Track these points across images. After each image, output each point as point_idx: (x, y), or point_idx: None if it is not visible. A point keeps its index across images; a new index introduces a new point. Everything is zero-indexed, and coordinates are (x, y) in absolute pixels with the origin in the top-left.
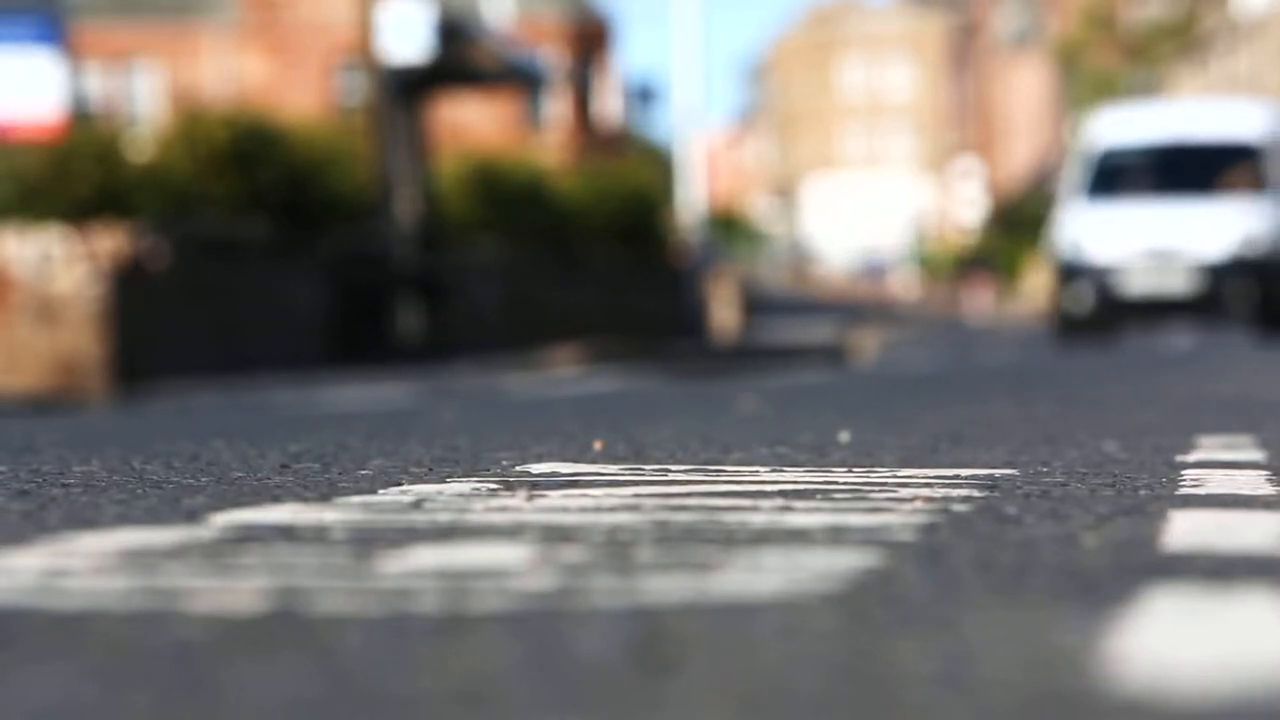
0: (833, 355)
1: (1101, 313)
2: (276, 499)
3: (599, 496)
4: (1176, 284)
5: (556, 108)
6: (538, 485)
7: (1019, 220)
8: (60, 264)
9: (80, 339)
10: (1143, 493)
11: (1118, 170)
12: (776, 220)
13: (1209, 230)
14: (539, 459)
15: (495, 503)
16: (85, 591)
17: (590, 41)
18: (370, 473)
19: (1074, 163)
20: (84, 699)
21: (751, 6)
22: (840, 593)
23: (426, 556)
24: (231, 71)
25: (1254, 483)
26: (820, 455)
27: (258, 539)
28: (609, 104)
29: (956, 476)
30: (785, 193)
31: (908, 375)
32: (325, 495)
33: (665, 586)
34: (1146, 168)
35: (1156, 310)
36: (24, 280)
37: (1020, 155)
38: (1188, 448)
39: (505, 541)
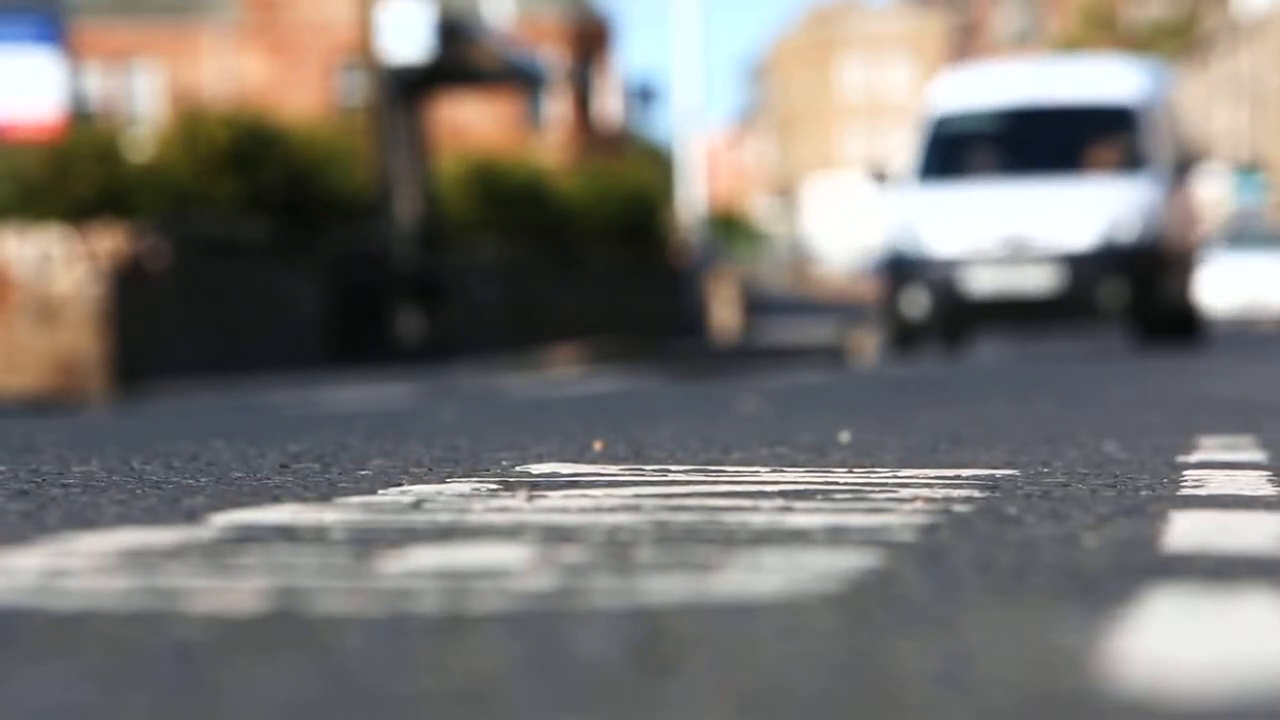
0: (833, 355)
1: (943, 317)
2: (276, 499)
3: (599, 497)
4: (1033, 280)
5: (556, 108)
6: (538, 485)
7: None
8: (60, 264)
9: (80, 339)
10: (1143, 493)
11: (960, 143)
12: (776, 220)
13: (1073, 215)
14: (539, 459)
15: (495, 503)
16: (85, 591)
17: (590, 41)
18: (370, 473)
19: (912, 136)
20: (84, 699)
21: (751, 6)
22: (840, 593)
23: (426, 557)
24: (231, 71)
25: (1255, 483)
26: (820, 455)
27: (257, 539)
28: (609, 104)
29: (957, 477)
30: (785, 193)
31: (908, 375)
32: (325, 495)
33: (665, 586)
34: (996, 139)
35: (1010, 312)
36: (24, 280)
37: None
38: (1188, 448)
39: (505, 542)
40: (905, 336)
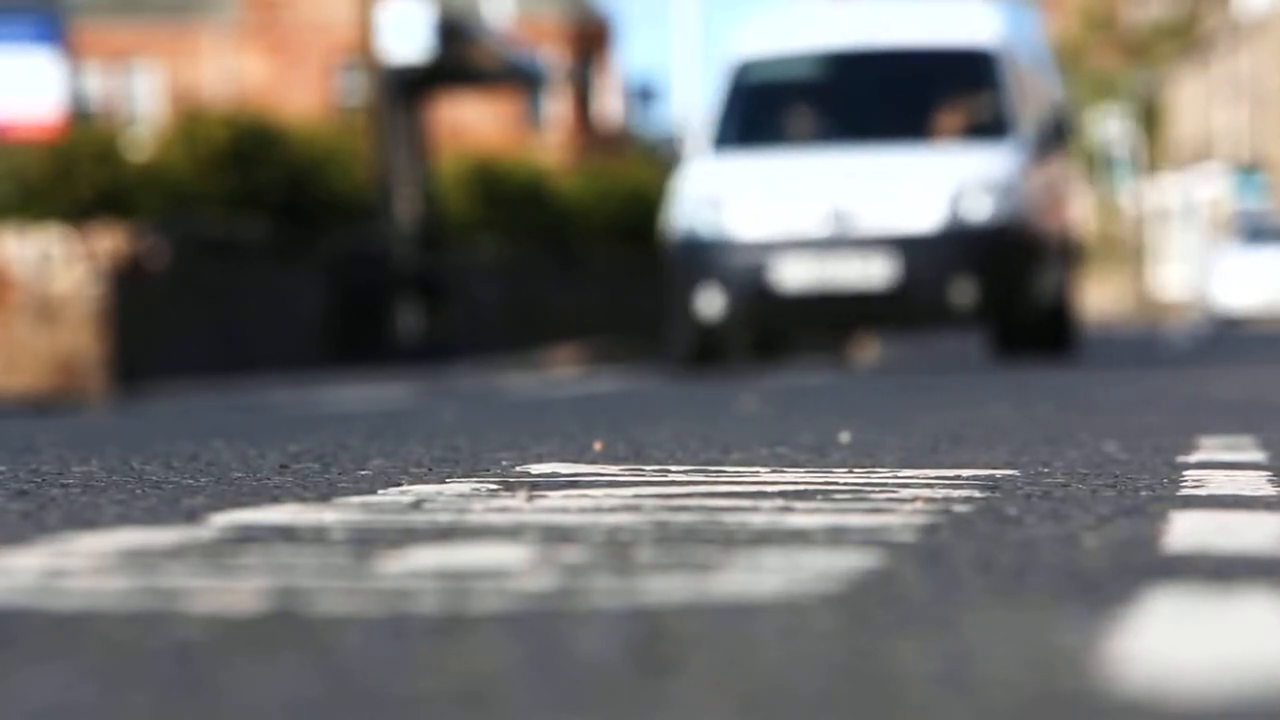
0: (833, 355)
1: (747, 318)
2: (276, 499)
3: (599, 497)
4: (862, 272)
5: (556, 108)
6: (538, 486)
7: None
8: (60, 264)
9: (80, 339)
10: (1144, 493)
11: (771, 98)
12: None
13: (913, 190)
14: (539, 459)
15: (495, 503)
16: (85, 592)
17: (590, 41)
18: (370, 473)
19: (713, 95)
20: (84, 699)
21: (751, 6)
22: (840, 593)
23: (426, 557)
24: (231, 71)
25: (1255, 483)
26: (820, 456)
27: (257, 539)
28: (609, 104)
29: (957, 477)
30: None
31: (908, 375)
32: (325, 496)
33: (665, 587)
34: (816, 93)
35: (833, 313)
36: (24, 280)
37: None
38: (1189, 448)
39: (505, 542)
40: (703, 345)
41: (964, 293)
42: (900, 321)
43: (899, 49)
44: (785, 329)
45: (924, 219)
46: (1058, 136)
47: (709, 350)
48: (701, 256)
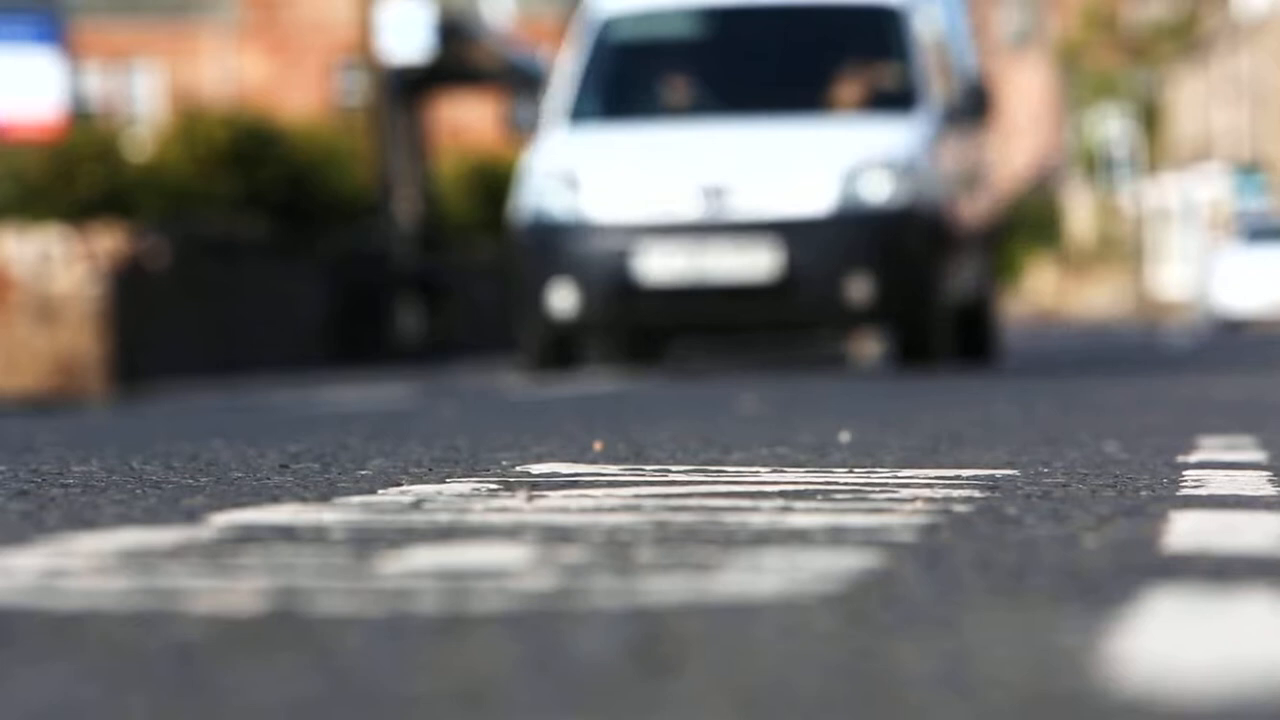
0: (833, 355)
1: (606, 316)
2: (276, 499)
3: (599, 497)
4: (741, 263)
5: None
6: (538, 486)
7: (1020, 220)
8: (60, 264)
9: (80, 339)
10: (1144, 493)
11: (637, 63)
12: None
13: (802, 169)
14: (539, 459)
15: (495, 503)
16: (84, 592)
17: None
18: (370, 473)
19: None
20: (83, 699)
21: None
22: (840, 593)
23: (426, 557)
24: (231, 71)
25: (1255, 483)
26: (820, 456)
27: (257, 539)
28: None
29: (957, 477)
30: None
31: (908, 375)
32: (325, 495)
33: (665, 587)
34: (691, 56)
35: (705, 311)
36: (24, 280)
37: (1020, 155)
38: (1189, 448)
39: (505, 542)
40: (556, 347)
41: (859, 288)
42: (784, 322)
43: (790, 5)
44: (651, 330)
45: (813, 201)
46: (975, 110)
47: (563, 354)
48: (554, 243)
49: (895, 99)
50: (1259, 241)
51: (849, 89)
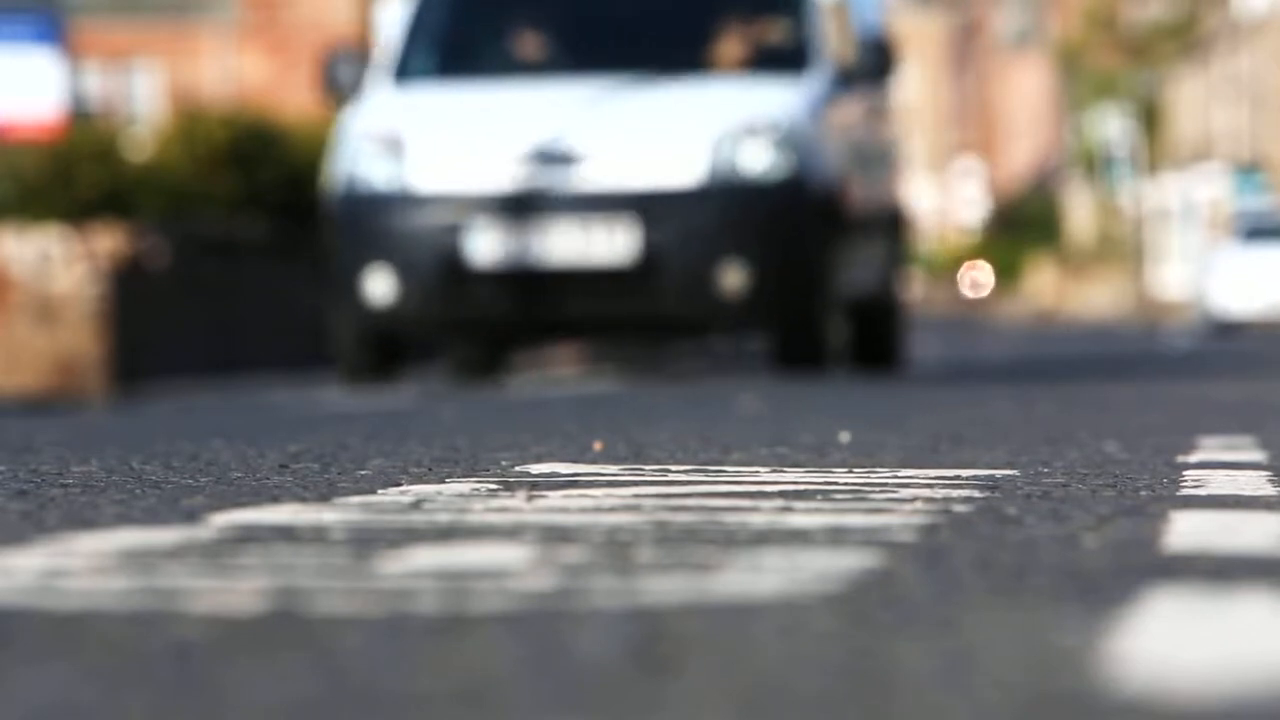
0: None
1: (430, 306)
2: (276, 499)
3: (599, 497)
4: (590, 245)
5: None
6: (537, 485)
7: (1020, 220)
8: (59, 264)
9: (79, 339)
10: (1144, 493)
11: (478, 12)
12: None
13: (665, 134)
14: (539, 459)
15: (495, 503)
16: (84, 592)
17: None
18: (369, 473)
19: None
20: (83, 699)
21: None
22: (840, 593)
23: (426, 557)
24: (231, 71)
25: (1255, 483)
26: (820, 456)
27: (257, 539)
28: None
29: (957, 477)
30: None
31: (908, 375)
32: (324, 495)
33: (665, 587)
34: (543, 7)
35: (550, 300)
36: (23, 280)
37: (1020, 155)
38: (1189, 448)
39: (505, 542)
40: (376, 344)
41: (733, 277)
42: (643, 317)
43: None
44: (482, 325)
45: (678, 173)
46: (876, 72)
47: (383, 354)
48: (372, 219)
49: (784, 58)
50: (1256, 241)
51: (731, 47)
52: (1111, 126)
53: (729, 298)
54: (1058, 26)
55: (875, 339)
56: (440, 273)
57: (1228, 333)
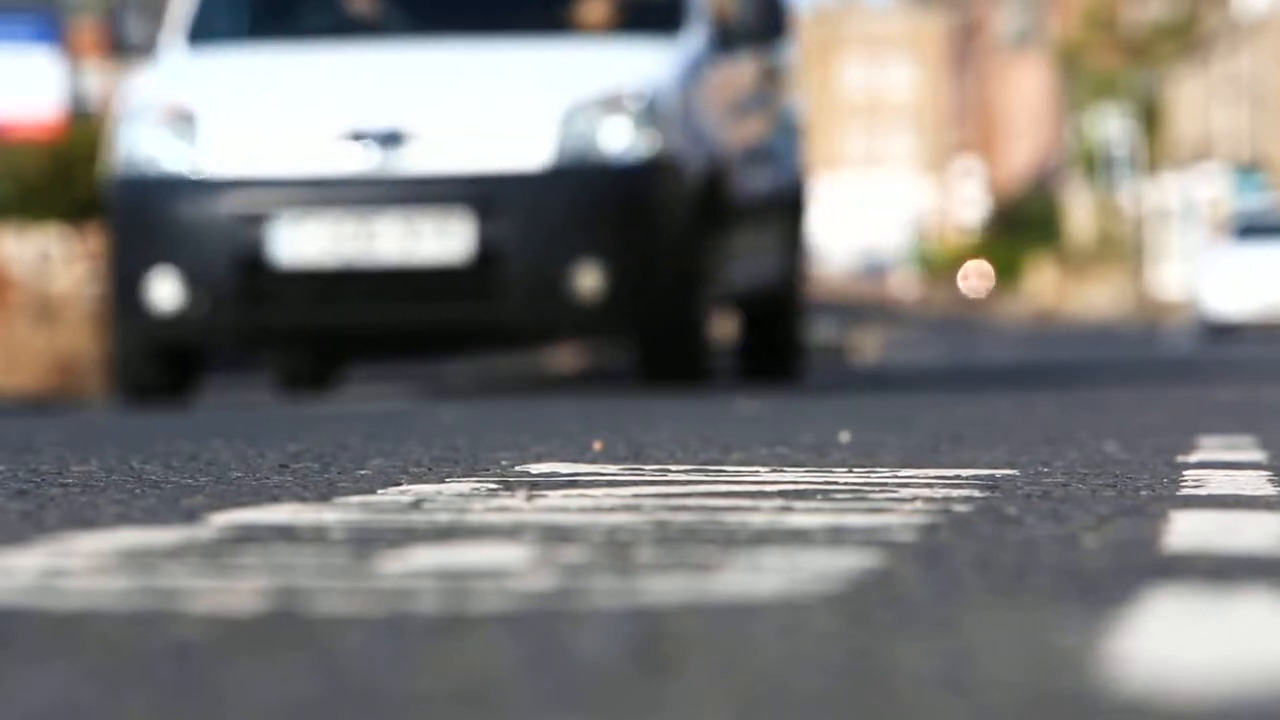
0: (833, 355)
1: (222, 314)
2: (275, 499)
3: (599, 496)
4: (418, 241)
5: None
6: (537, 485)
7: (1020, 220)
8: (60, 264)
9: (79, 339)
10: (1144, 493)
11: None
12: None
13: (506, 108)
14: (539, 459)
15: (495, 503)
16: (84, 592)
17: None
18: (369, 473)
19: None
20: (83, 699)
21: None
22: (840, 593)
23: (426, 557)
24: None
25: (1255, 483)
26: (820, 455)
27: (257, 539)
28: None
29: (957, 477)
30: None
31: (908, 374)
32: (324, 495)
33: (665, 586)
34: None
35: (369, 306)
36: (23, 280)
37: (1020, 155)
38: (1188, 448)
39: (505, 541)
40: (162, 357)
41: (588, 278)
42: (481, 326)
43: None
44: (288, 336)
45: (522, 154)
46: (765, 33)
47: (171, 367)
48: (156, 209)
49: (655, 17)
50: (1250, 239)
51: (595, 5)
52: (1111, 126)
53: (583, 301)
54: (1058, 26)
55: (770, 342)
56: (237, 274)
57: (1222, 335)
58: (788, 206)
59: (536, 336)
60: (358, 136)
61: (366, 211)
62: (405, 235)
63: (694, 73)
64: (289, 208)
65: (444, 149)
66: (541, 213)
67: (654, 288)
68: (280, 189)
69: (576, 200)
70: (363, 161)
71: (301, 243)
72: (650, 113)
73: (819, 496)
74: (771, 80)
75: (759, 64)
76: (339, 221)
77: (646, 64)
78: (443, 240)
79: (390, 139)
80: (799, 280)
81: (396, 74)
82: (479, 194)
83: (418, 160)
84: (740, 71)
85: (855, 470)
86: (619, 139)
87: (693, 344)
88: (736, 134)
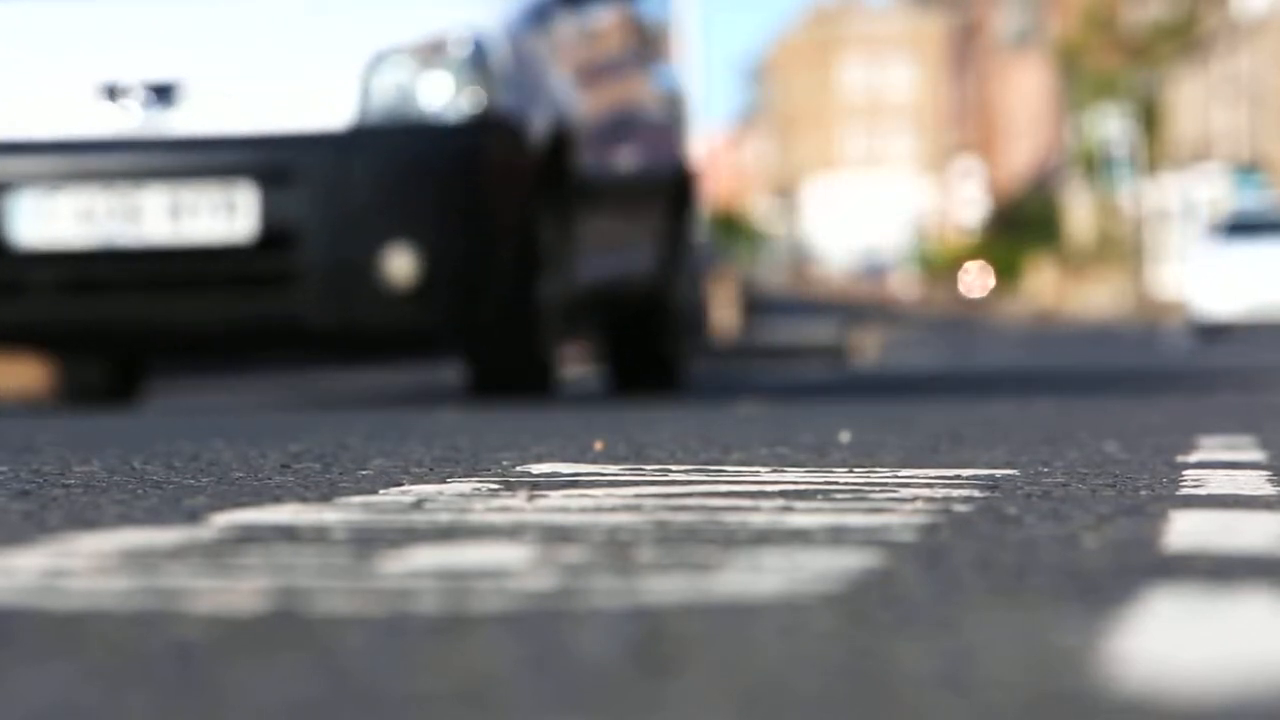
0: (833, 355)
1: None
2: (277, 499)
3: (599, 497)
4: (190, 218)
5: None
6: (538, 485)
7: (1020, 220)
8: None
9: None
10: (1143, 493)
11: None
12: (776, 220)
13: (302, 56)
14: (539, 459)
15: (496, 503)
16: (85, 592)
17: None
18: (371, 473)
19: None
20: (84, 700)
21: (751, 6)
22: (840, 593)
23: (427, 557)
24: None
25: (1255, 483)
26: (820, 455)
27: (258, 539)
28: None
29: (957, 476)
30: (785, 193)
31: (908, 374)
32: (326, 495)
33: (665, 586)
34: None
35: (130, 299)
36: None
37: (1020, 155)
38: (1188, 448)
39: (505, 541)
40: None
41: (398, 264)
42: (267, 323)
43: None
44: (30, 334)
45: (317, 113)
46: None
47: None
48: None
49: None
50: (1237, 237)
51: None
52: (1111, 126)
53: (393, 295)
54: (1057, 26)
55: (643, 349)
56: None
57: (1212, 335)
58: (663, 192)
59: (336, 339)
60: (117, 92)
61: (128, 182)
62: (175, 211)
63: (534, 19)
64: (33, 178)
65: (223, 106)
66: (342, 184)
67: (482, 276)
68: (22, 155)
69: (385, 168)
70: (124, 122)
71: (48, 220)
72: (477, 63)
73: (819, 496)
74: (641, 40)
75: (623, 19)
76: (95, 194)
77: (473, 5)
78: (221, 217)
79: (158, 94)
80: (681, 279)
81: (166, 17)
82: (265, 160)
83: (191, 120)
84: (597, 23)
85: (855, 470)
86: (438, 94)
87: (532, 347)
88: (592, 98)
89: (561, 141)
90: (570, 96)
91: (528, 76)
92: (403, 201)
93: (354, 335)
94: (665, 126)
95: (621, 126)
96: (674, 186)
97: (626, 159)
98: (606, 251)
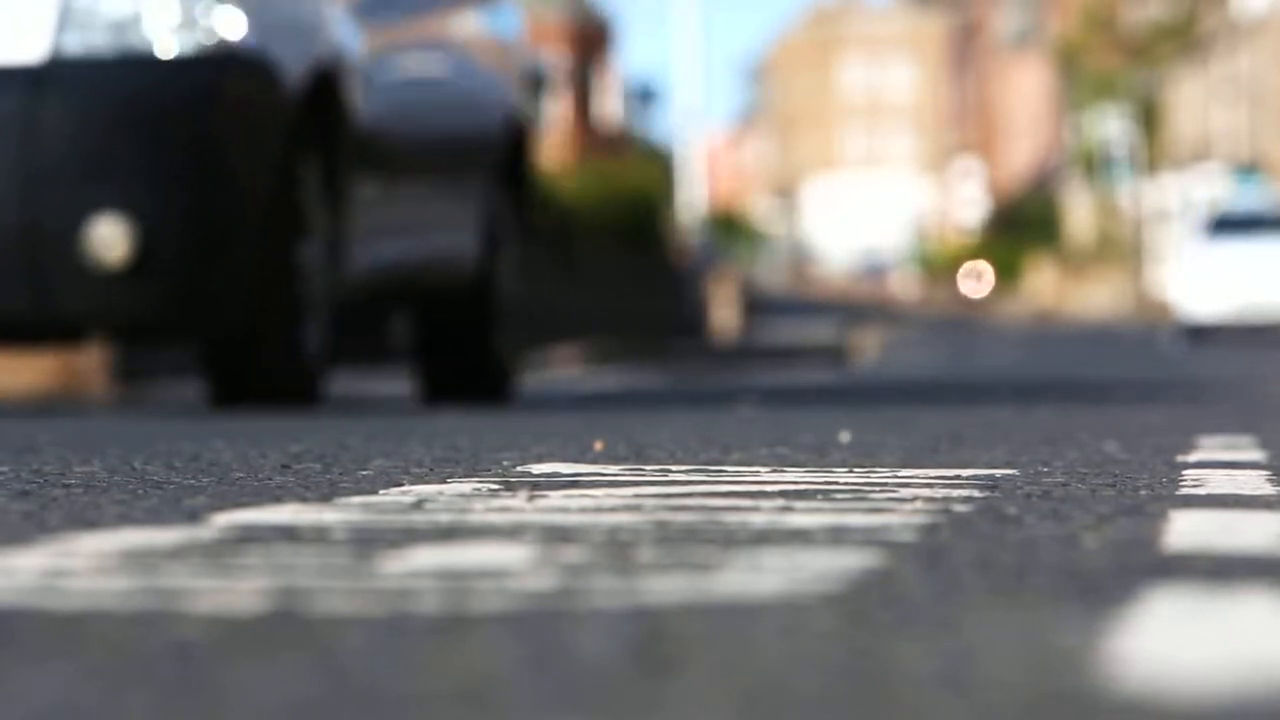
0: (833, 355)
1: None
2: (277, 499)
3: (599, 497)
4: None
5: (556, 108)
6: (538, 485)
7: (1019, 220)
8: None
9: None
10: (1143, 493)
11: None
12: (776, 220)
13: None
14: (539, 459)
15: (496, 503)
16: (86, 592)
17: (590, 42)
18: (371, 473)
19: None
20: (84, 700)
21: (751, 6)
22: (840, 593)
23: (427, 557)
24: None
25: (1255, 483)
26: (820, 455)
27: (258, 539)
28: (609, 104)
29: (957, 477)
30: (785, 193)
31: (908, 374)
32: (326, 496)
33: (665, 586)
34: None
35: None
36: None
37: (1020, 155)
38: (1188, 448)
39: (505, 542)
40: None
41: (107, 236)
42: None
43: None
44: None
45: (10, 43)
46: None
47: None
48: None
49: None
50: (1222, 236)
51: None
52: (1111, 126)
53: (102, 274)
54: (1057, 26)
55: (461, 351)
56: None
57: (1199, 337)
58: (486, 157)
59: (30, 325)
60: None
61: None
62: None
63: None
64: None
65: None
66: (30, 133)
67: (216, 250)
68: None
69: (89, 113)
70: None
71: None
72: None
73: (819, 496)
74: None
75: None
76: None
77: None
78: None
79: None
80: (506, 272)
81: None
82: None
83: None
84: None
85: (855, 470)
86: (160, 20)
87: (287, 342)
88: (379, 36)
89: (329, 84)
90: (346, 29)
91: (283, 2)
92: (112, 155)
93: (50, 323)
94: (492, 78)
95: (426, 79)
96: (502, 151)
97: (436, 120)
98: (404, 228)
